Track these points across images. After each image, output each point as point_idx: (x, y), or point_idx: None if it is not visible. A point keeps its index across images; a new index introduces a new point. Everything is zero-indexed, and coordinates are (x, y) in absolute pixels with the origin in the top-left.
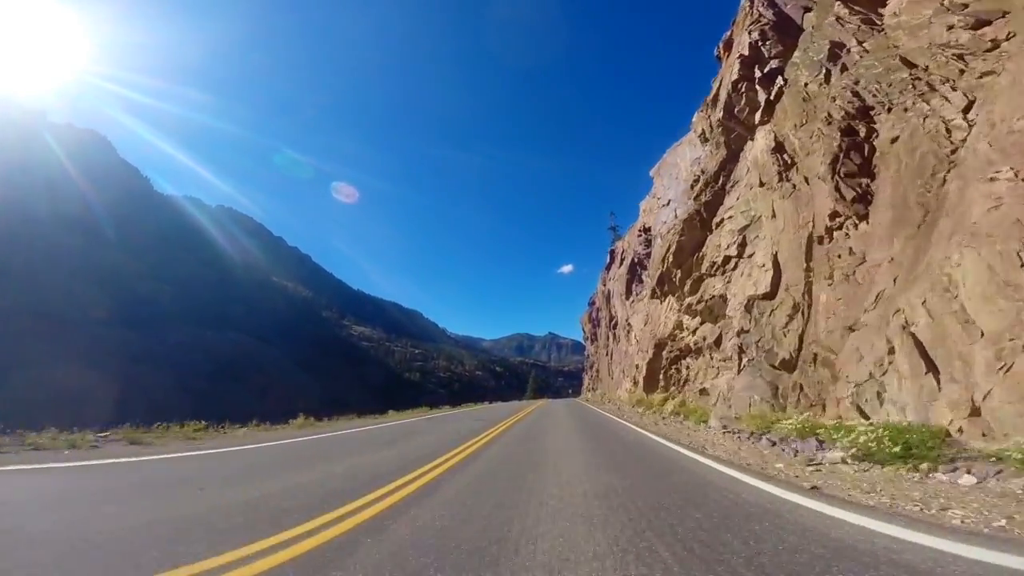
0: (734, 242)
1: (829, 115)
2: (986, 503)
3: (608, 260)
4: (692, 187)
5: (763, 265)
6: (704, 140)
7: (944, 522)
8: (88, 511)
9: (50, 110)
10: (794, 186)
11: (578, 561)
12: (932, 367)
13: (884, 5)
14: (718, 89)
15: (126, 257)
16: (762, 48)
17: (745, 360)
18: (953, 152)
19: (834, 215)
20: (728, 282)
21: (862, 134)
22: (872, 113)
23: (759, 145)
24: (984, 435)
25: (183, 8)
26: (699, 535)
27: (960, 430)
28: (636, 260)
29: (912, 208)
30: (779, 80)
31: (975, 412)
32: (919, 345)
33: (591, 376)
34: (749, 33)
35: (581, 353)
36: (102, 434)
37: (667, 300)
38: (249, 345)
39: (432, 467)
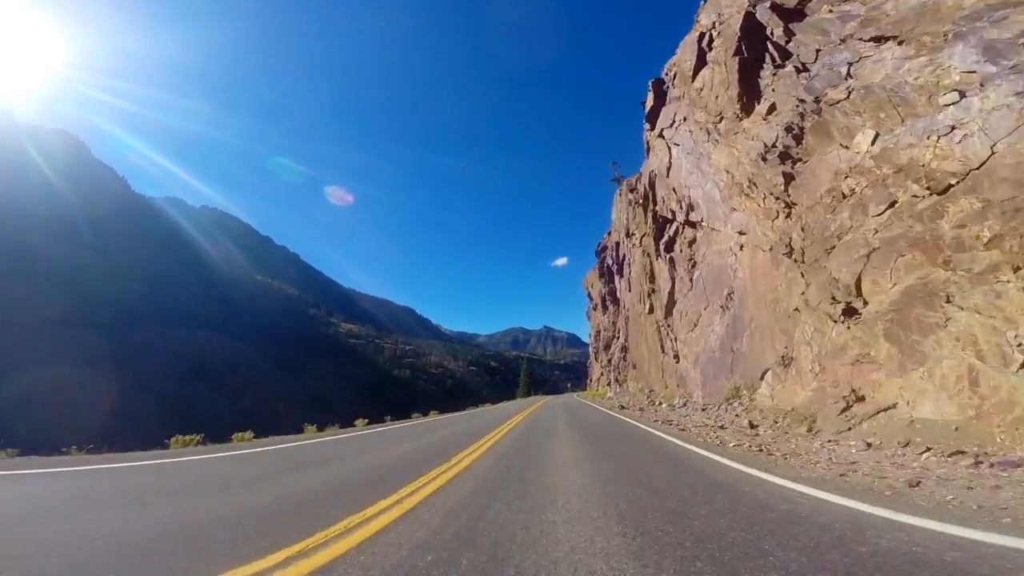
0: None
1: None
2: None
3: (649, 106)
4: None
5: None
6: None
7: None
8: None
9: (18, 111)
10: None
11: None
12: None
13: None
14: None
15: (93, 256)
16: None
17: None
18: None
19: None
20: None
21: None
22: None
23: None
24: None
25: (170, 12)
26: None
27: None
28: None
29: None
30: None
31: None
32: None
33: (610, 363)
34: None
35: (577, 345)
36: None
37: None
38: (223, 345)
39: None
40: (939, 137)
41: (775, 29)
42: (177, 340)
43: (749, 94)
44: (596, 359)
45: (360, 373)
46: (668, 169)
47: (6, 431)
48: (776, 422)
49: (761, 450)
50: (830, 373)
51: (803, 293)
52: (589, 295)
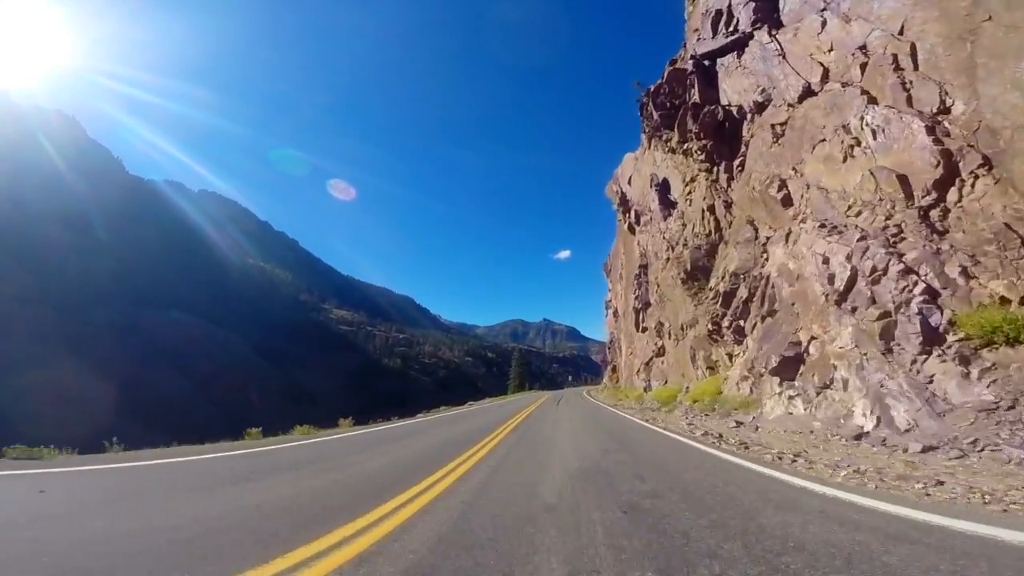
0: None
1: None
2: None
3: None
4: None
5: None
6: None
7: None
8: None
9: (14, 89)
10: None
11: None
12: None
13: None
14: None
15: (68, 233)
16: None
17: None
18: None
19: None
20: None
21: None
22: None
23: None
24: None
25: (178, 3)
26: None
27: None
28: None
29: None
30: None
31: None
32: None
33: (733, 308)
34: None
35: (576, 339)
36: None
37: None
38: (197, 327)
39: None
40: None
41: None
42: (145, 321)
43: None
44: (638, 327)
45: (348, 361)
46: None
47: None
48: None
49: None
50: None
51: None
52: (623, 200)
